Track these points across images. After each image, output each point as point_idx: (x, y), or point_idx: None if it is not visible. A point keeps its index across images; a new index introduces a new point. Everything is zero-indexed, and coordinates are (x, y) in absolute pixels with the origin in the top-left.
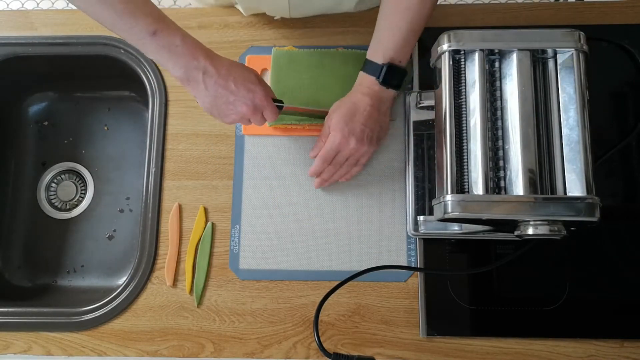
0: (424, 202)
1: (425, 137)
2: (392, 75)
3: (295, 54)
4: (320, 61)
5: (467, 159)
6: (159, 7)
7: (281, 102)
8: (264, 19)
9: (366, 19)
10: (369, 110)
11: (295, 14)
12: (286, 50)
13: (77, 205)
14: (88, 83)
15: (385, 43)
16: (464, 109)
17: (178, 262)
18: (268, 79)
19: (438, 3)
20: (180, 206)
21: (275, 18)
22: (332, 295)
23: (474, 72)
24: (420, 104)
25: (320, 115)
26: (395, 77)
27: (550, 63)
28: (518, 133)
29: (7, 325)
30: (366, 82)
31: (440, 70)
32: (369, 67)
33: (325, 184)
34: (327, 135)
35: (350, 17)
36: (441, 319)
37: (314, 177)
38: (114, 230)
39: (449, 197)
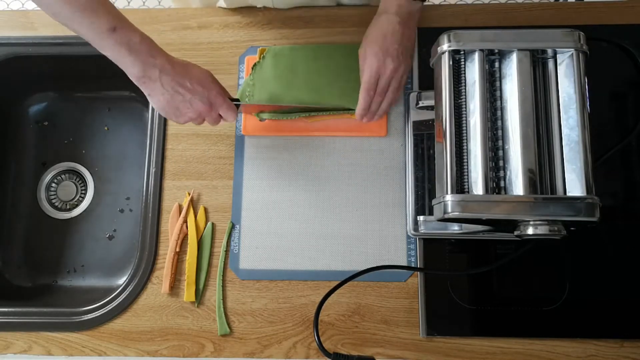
0: (424, 202)
1: (425, 137)
2: None
3: (281, 49)
4: (312, 54)
5: (467, 159)
6: (158, 7)
7: (237, 100)
8: (264, 19)
9: (366, 19)
10: (398, 29)
11: (278, 3)
12: (280, 47)
13: (77, 205)
14: (88, 83)
15: None
16: (464, 109)
17: (178, 262)
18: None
19: (438, 3)
20: (180, 206)
21: (258, 6)
22: (332, 295)
23: (474, 72)
24: (420, 104)
25: (306, 109)
26: None
27: (550, 63)
28: (518, 133)
29: (7, 325)
30: (389, 5)
31: (440, 70)
32: None
33: (376, 117)
34: (363, 67)
35: (350, 17)
36: (441, 319)
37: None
38: (114, 230)
39: (449, 197)
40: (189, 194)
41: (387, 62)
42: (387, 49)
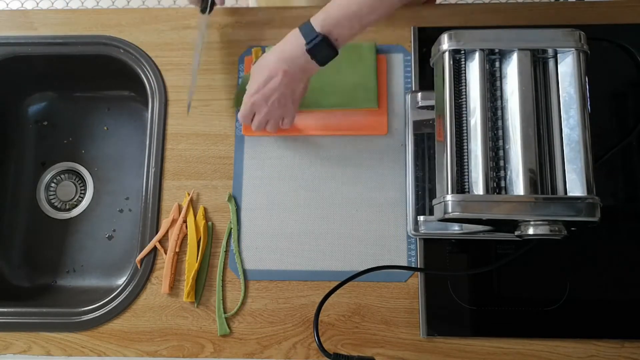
0: (424, 202)
1: (425, 137)
2: (321, 49)
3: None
4: None
5: (467, 159)
6: (158, 6)
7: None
8: (264, 19)
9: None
10: (280, 77)
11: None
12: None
13: (76, 205)
14: (88, 83)
15: (330, 14)
16: (464, 109)
17: (178, 262)
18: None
19: (438, 2)
20: (179, 206)
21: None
22: (332, 295)
23: (474, 72)
24: (420, 104)
25: None
26: (322, 53)
27: (551, 63)
28: (518, 133)
29: (7, 325)
30: (294, 44)
31: (440, 70)
32: (305, 29)
33: (259, 129)
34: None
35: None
36: (441, 319)
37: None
38: (114, 230)
39: (449, 197)
40: (189, 194)
41: (262, 106)
42: (263, 95)
